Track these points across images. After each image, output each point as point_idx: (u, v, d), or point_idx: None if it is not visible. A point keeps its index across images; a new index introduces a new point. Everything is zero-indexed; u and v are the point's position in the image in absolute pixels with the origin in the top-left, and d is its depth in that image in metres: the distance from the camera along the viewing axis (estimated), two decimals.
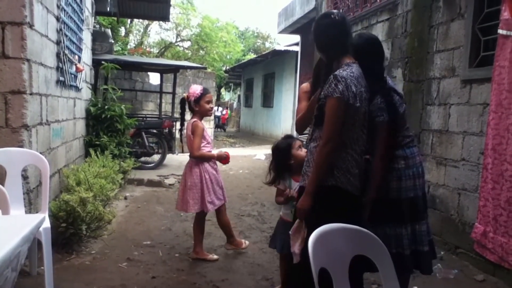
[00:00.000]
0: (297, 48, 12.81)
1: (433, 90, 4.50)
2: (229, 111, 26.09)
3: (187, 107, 3.94)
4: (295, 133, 9.93)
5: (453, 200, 4.14)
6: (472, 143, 3.90)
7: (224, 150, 4.10)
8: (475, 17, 3.93)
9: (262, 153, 11.86)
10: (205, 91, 3.82)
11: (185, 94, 3.95)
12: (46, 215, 3.01)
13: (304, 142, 2.93)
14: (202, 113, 3.84)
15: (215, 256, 3.86)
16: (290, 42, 15.34)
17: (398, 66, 5.19)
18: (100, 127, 6.22)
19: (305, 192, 2.38)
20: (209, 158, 3.82)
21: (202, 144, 3.76)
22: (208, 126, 13.85)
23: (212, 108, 3.90)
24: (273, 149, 3.13)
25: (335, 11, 2.54)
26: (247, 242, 4.09)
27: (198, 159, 3.78)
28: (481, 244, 3.55)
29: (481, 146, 3.72)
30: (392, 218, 2.60)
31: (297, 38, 12.90)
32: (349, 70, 2.35)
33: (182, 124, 4.06)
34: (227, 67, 24.58)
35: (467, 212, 3.94)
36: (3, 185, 2.57)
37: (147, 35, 22.58)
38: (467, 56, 4.00)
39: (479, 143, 3.77)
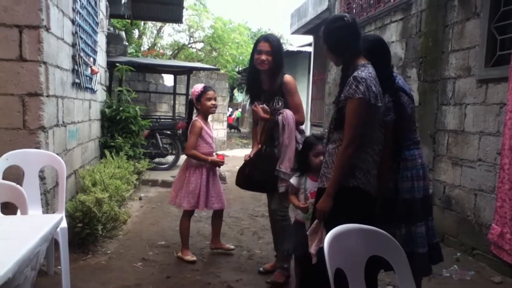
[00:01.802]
0: (310, 49, 12.75)
1: (448, 90, 4.45)
2: (238, 112, 26.04)
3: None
4: (308, 131, 9.89)
5: (469, 201, 4.09)
6: (489, 143, 3.85)
7: (221, 152, 4.04)
8: (491, 16, 3.88)
9: None
10: (205, 89, 3.76)
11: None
12: (63, 215, 3.05)
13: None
14: (204, 111, 3.78)
15: (232, 246, 4.01)
16: (302, 43, 15.28)
17: (412, 66, 5.15)
18: (115, 129, 6.29)
19: (326, 193, 2.36)
20: (201, 160, 3.71)
21: (199, 144, 3.73)
22: (221, 127, 13.94)
23: (214, 105, 3.79)
24: (303, 141, 3.13)
25: (346, 14, 2.53)
26: (194, 258, 3.75)
27: (190, 157, 3.76)
28: (498, 245, 3.49)
29: (497, 146, 3.67)
30: (388, 218, 2.54)
31: (310, 38, 12.85)
32: (366, 71, 2.34)
33: (188, 124, 3.94)
34: (240, 68, 24.58)
35: (483, 213, 3.89)
36: (21, 185, 2.60)
37: (160, 37, 22.71)
38: (483, 55, 3.95)
39: (496, 143, 3.72)
